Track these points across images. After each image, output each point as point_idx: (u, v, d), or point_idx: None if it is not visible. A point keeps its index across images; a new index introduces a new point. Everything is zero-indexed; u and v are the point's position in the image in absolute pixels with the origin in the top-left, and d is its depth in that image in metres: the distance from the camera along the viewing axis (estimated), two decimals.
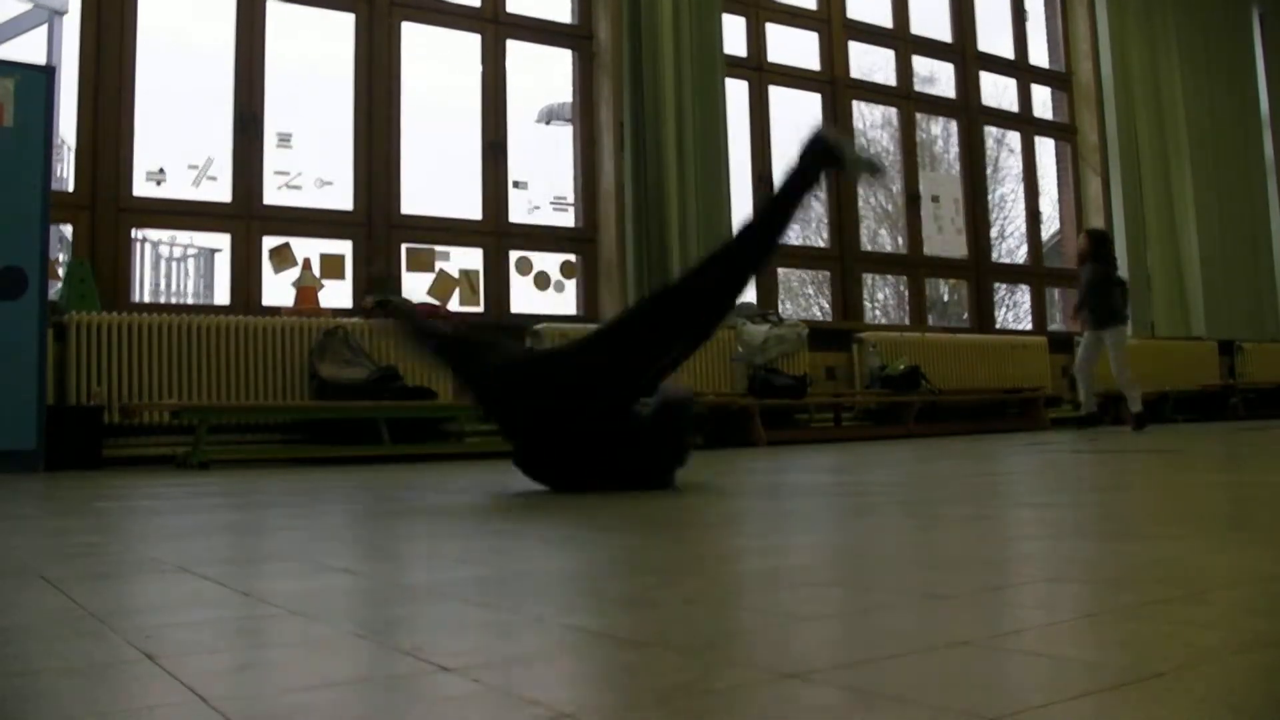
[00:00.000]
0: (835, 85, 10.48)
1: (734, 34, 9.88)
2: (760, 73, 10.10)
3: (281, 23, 7.91)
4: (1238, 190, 12.94)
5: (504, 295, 8.58)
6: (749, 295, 9.76)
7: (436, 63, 9.10)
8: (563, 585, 1.74)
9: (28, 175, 6.12)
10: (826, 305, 11.80)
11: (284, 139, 7.87)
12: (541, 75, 9.73)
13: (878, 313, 16.74)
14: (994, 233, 12.81)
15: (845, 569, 1.83)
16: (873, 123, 16.24)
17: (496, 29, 8.81)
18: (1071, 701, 0.90)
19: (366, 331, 7.38)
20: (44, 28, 7.79)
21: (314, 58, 10.23)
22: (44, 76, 6.31)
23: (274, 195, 7.81)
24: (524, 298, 8.72)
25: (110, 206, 7.12)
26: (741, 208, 9.54)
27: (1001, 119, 12.35)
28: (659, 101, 8.80)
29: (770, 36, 10.23)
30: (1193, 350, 12.23)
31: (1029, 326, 12.65)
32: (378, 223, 8.03)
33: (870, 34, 11.03)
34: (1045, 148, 12.59)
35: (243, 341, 7.00)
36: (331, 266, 7.87)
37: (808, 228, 17.43)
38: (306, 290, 7.60)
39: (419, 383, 7.33)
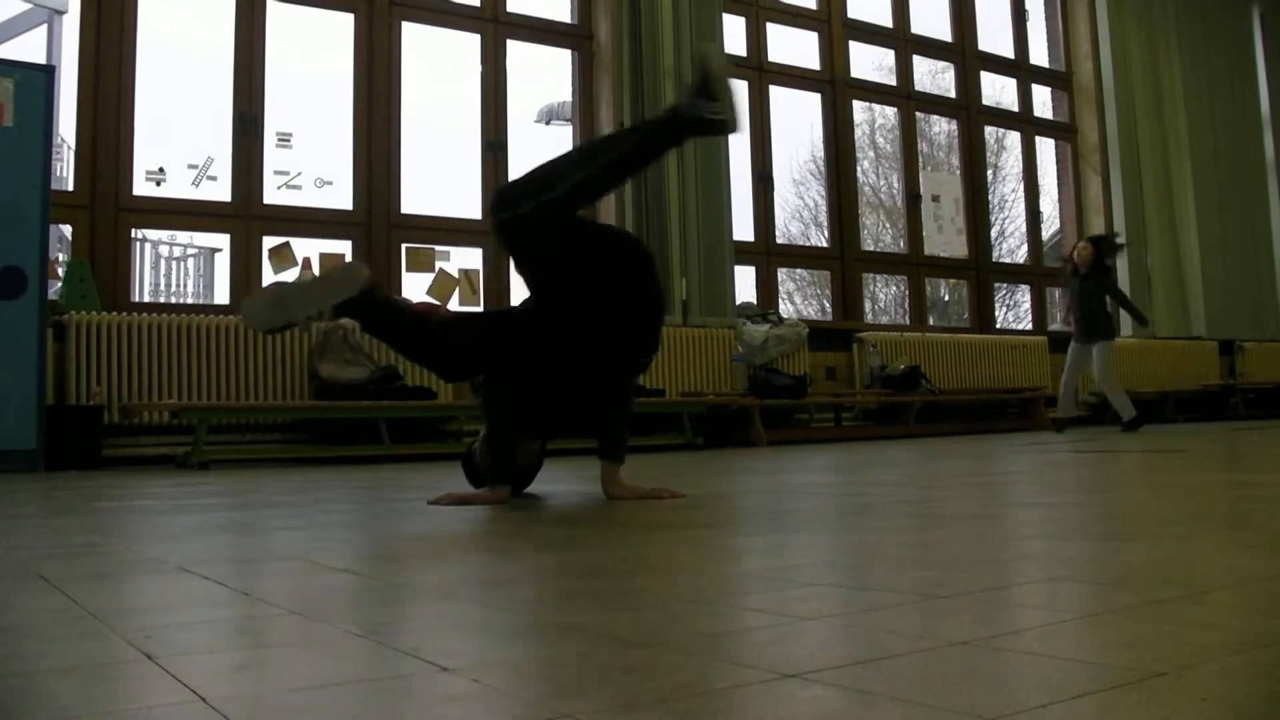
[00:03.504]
0: (835, 85, 10.48)
1: (734, 33, 9.88)
2: (760, 72, 10.10)
3: (281, 22, 7.91)
4: (1238, 190, 12.94)
5: (504, 295, 8.57)
6: (749, 295, 9.78)
7: (436, 62, 9.11)
8: (562, 585, 1.74)
9: (28, 175, 6.12)
10: (828, 304, 11.80)
11: (284, 139, 7.87)
12: (541, 75, 9.74)
13: (879, 312, 16.76)
14: (994, 232, 12.82)
15: (845, 569, 1.83)
16: (879, 126, 16.32)
17: (496, 29, 8.81)
18: (1072, 701, 0.90)
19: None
20: (44, 27, 7.79)
21: (314, 57, 10.25)
22: (44, 76, 6.31)
23: (274, 195, 7.82)
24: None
25: (110, 206, 7.12)
26: (741, 208, 9.56)
27: (1002, 119, 12.35)
28: (659, 101, 8.79)
29: (770, 36, 10.23)
30: (1193, 350, 12.24)
31: (1029, 326, 12.65)
32: (377, 222, 8.03)
33: (870, 34, 11.04)
34: (1045, 147, 12.59)
35: (243, 341, 7.01)
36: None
37: (809, 227, 17.51)
38: None
39: (419, 383, 7.34)
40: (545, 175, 3.28)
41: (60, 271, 6.90)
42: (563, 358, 3.34)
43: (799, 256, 11.58)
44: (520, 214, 3.23)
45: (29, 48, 7.74)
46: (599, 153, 3.35)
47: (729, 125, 3.27)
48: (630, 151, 3.34)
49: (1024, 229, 13.09)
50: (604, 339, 3.35)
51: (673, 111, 3.31)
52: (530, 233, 3.27)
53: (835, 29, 10.59)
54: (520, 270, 3.47)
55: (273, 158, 7.81)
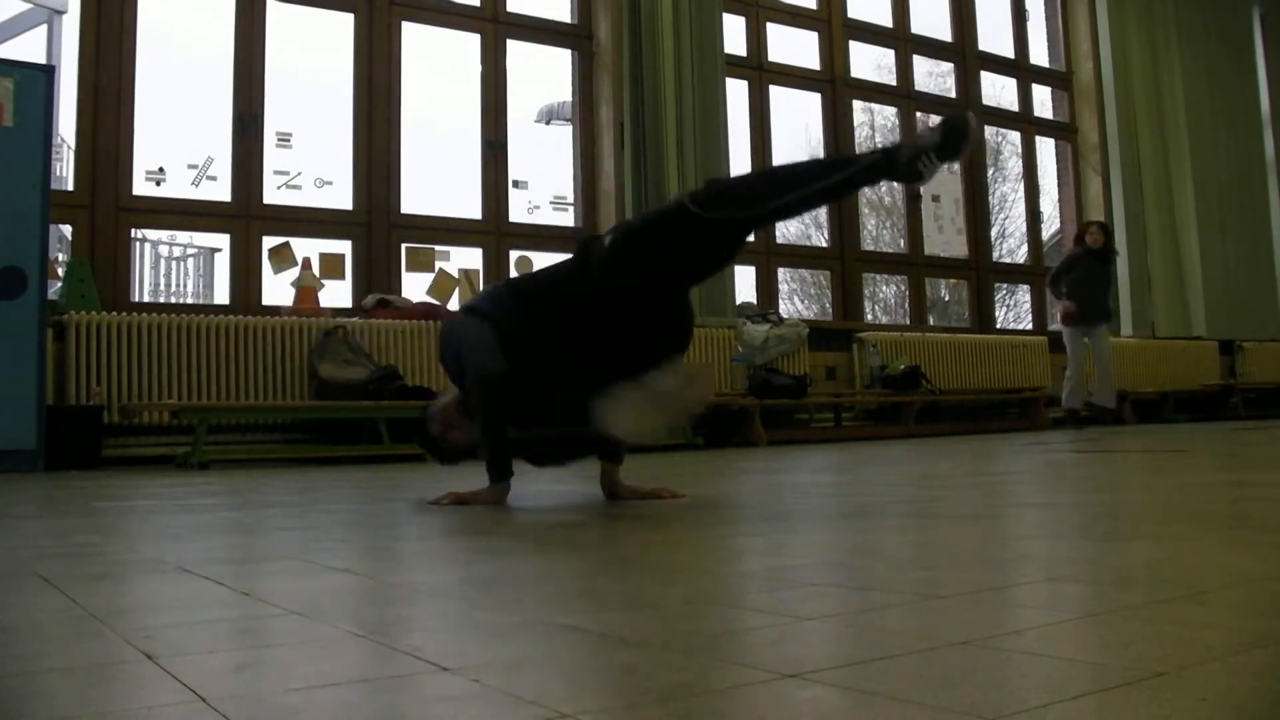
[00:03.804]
0: (835, 85, 10.48)
1: (734, 33, 9.88)
2: (760, 72, 10.10)
3: (281, 22, 7.91)
4: (1238, 190, 12.94)
5: None
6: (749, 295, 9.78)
7: (436, 62, 9.11)
8: (562, 585, 1.74)
9: (28, 175, 6.12)
10: (828, 304, 11.79)
11: (284, 139, 7.87)
12: (541, 75, 9.74)
13: (879, 311, 16.76)
14: (994, 232, 12.81)
15: (845, 569, 1.83)
16: (878, 127, 16.30)
17: (496, 29, 8.81)
18: (1072, 701, 0.90)
19: (366, 331, 7.40)
20: (44, 27, 7.79)
21: (314, 57, 10.24)
22: (44, 76, 6.31)
23: (274, 195, 7.81)
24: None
25: (110, 206, 7.11)
26: None
27: (1002, 118, 12.35)
28: (659, 101, 8.80)
29: (770, 36, 10.23)
30: (1193, 350, 12.23)
31: (1029, 326, 12.65)
32: (378, 222, 8.03)
33: (870, 33, 11.03)
34: (1045, 147, 12.59)
35: (243, 341, 7.00)
36: (331, 266, 7.87)
37: (809, 227, 17.50)
38: (306, 290, 7.60)
39: (419, 383, 7.34)
40: (758, 189, 3.17)
41: (60, 271, 6.90)
42: (583, 355, 3.27)
43: (799, 256, 11.58)
44: (726, 219, 3.09)
45: (29, 48, 7.75)
46: (808, 179, 3.14)
47: (924, 181, 3.18)
48: (837, 184, 3.14)
49: (1024, 229, 13.10)
50: (639, 351, 3.29)
51: (887, 154, 3.07)
52: (706, 238, 3.15)
53: (835, 29, 10.59)
54: (635, 258, 3.25)
55: (273, 158, 7.82)
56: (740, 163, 9.63)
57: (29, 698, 1.04)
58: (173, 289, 10.72)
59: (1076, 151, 12.45)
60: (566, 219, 9.12)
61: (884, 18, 11.17)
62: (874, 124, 16.18)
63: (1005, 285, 13.65)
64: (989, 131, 12.62)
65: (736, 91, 9.76)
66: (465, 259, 8.48)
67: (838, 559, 1.97)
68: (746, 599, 1.51)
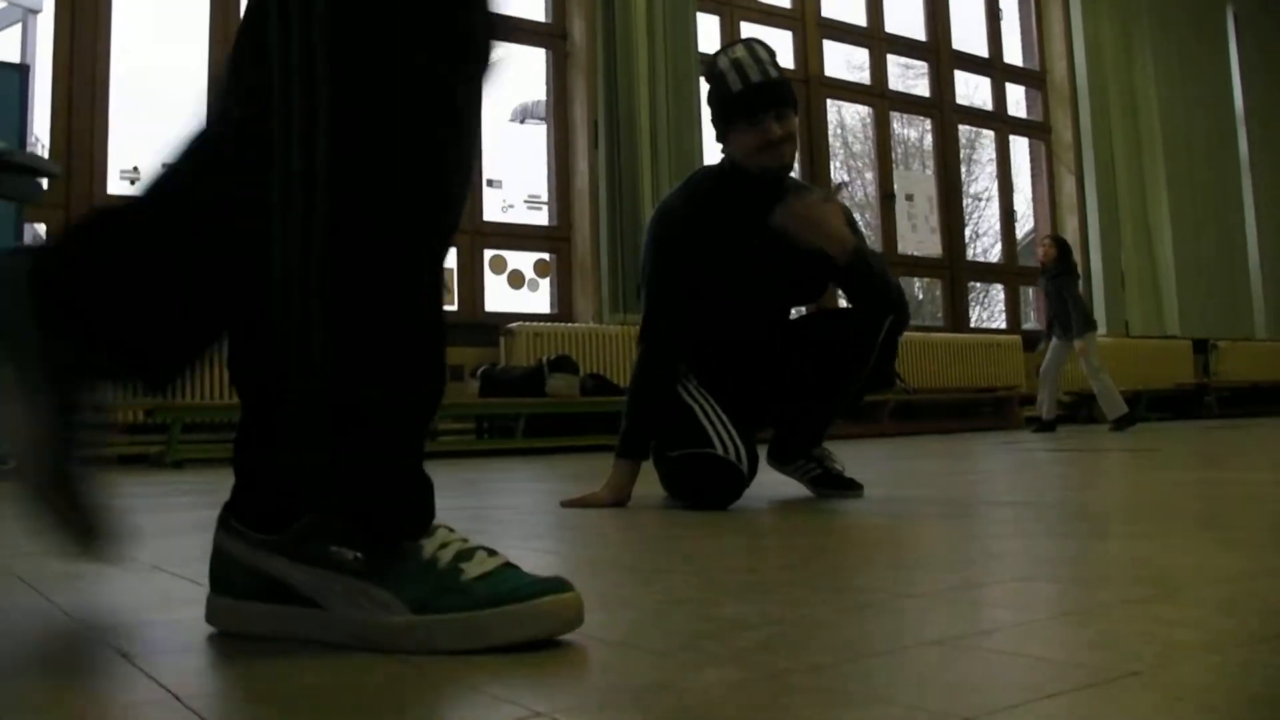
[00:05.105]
0: (810, 84, 10.50)
1: (708, 32, 9.89)
2: None
3: None
4: (1212, 189, 13.03)
5: (478, 293, 8.56)
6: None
7: None
8: None
9: None
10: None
11: None
12: (515, 74, 9.73)
13: None
14: (968, 231, 12.86)
15: (818, 570, 1.83)
16: (852, 128, 16.34)
17: None
18: (1045, 700, 0.91)
19: None
20: (18, 26, 7.72)
21: None
22: (18, 75, 6.26)
23: None
24: (498, 296, 8.72)
25: (84, 206, 7.06)
26: None
27: (976, 117, 12.40)
28: (633, 100, 8.80)
29: (744, 35, 10.22)
30: (1167, 348, 12.31)
31: (1003, 325, 12.71)
32: None
33: (844, 32, 11.06)
34: (1019, 146, 12.65)
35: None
36: None
37: None
38: None
39: None
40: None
41: None
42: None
43: None
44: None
45: (3, 47, 7.68)
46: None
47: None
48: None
49: (998, 228, 13.17)
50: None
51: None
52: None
53: (809, 28, 10.62)
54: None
55: None
56: (714, 161, 9.62)
57: (3, 698, 1.03)
58: None
59: (1050, 150, 12.51)
60: (541, 218, 9.12)
61: (858, 17, 11.21)
62: (842, 123, 16.24)
63: (979, 284, 13.70)
64: (964, 130, 12.64)
65: None
66: (453, 258, 8.47)
67: (811, 559, 1.97)
68: (722, 599, 1.51)
